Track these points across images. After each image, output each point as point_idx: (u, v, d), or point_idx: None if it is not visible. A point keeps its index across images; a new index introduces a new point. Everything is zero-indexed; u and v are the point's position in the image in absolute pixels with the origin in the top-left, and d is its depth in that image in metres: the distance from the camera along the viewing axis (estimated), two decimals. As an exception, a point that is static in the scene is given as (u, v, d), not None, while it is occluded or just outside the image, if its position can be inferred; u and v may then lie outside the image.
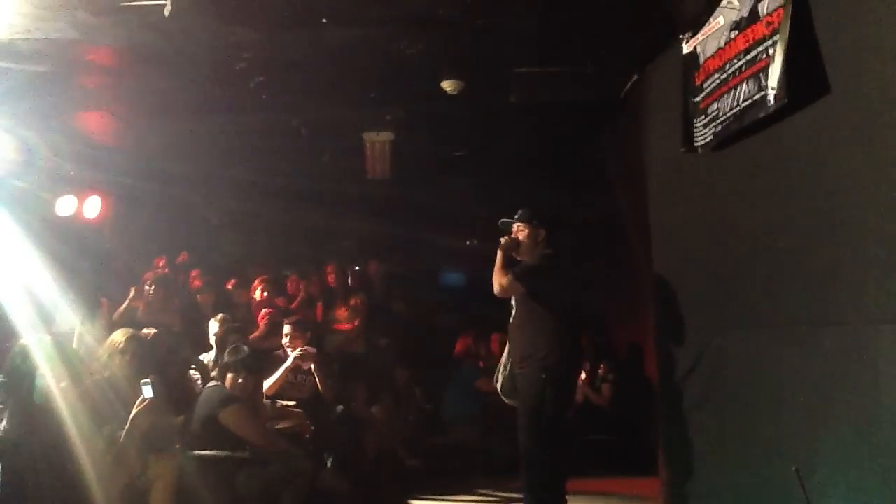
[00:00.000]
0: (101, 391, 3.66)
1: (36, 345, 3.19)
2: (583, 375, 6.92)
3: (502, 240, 4.70)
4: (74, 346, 4.57)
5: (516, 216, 4.73)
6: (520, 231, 4.69)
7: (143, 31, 4.47)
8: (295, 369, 5.49)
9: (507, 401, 4.73)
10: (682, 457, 4.39)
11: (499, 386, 4.76)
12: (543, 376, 4.39)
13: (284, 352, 5.61)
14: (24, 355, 3.15)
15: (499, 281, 4.58)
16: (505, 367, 4.72)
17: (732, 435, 3.82)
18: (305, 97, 5.69)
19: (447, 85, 5.29)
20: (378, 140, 6.45)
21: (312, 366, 5.48)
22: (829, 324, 3.11)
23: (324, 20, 4.44)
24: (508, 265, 4.63)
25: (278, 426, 4.95)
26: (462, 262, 7.65)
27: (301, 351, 5.40)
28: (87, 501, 2.78)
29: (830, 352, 3.09)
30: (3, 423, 3.10)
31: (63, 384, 3.04)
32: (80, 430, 2.99)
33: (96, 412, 3.60)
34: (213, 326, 5.79)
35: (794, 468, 1.86)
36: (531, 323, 4.54)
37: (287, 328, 5.70)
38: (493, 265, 4.62)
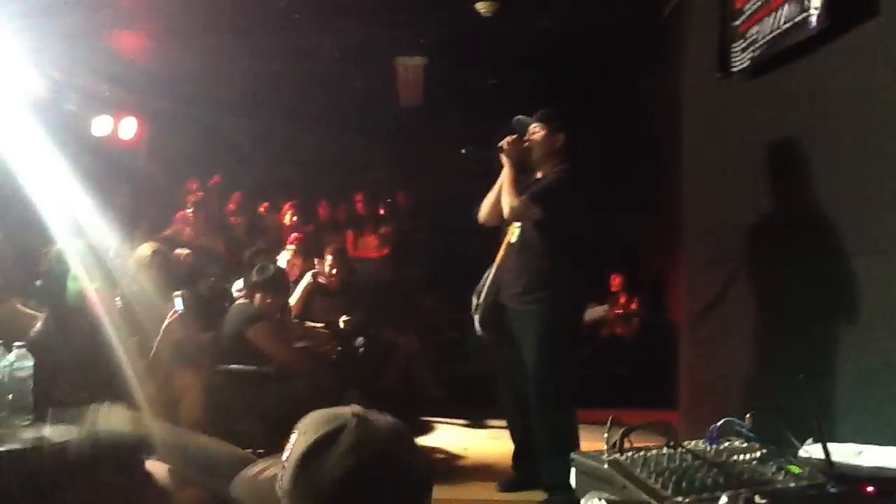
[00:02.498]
0: (132, 301, 3.73)
1: (71, 249, 3.23)
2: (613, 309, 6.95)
3: (504, 143, 3.87)
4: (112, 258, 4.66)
5: (535, 116, 3.97)
6: (535, 133, 3.93)
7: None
8: (322, 292, 5.61)
9: (482, 334, 4.05)
10: (703, 385, 4.39)
11: (477, 318, 4.04)
12: (552, 314, 3.80)
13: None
14: (59, 258, 3.18)
15: (509, 202, 3.77)
16: (488, 295, 3.99)
17: (755, 363, 3.80)
18: (337, 18, 5.62)
19: (481, 6, 5.17)
20: (411, 65, 6.37)
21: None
22: (863, 253, 3.05)
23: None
24: (519, 180, 3.87)
25: (304, 345, 5.04)
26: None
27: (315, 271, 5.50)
28: (120, 401, 2.85)
29: (860, 280, 3.04)
30: (38, 324, 3.17)
31: (96, 286, 3.09)
32: (115, 333, 3.04)
33: (128, 320, 3.68)
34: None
35: (799, 375, 1.85)
36: (541, 251, 3.85)
37: (328, 257, 5.79)
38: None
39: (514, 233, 3.96)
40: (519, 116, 3.97)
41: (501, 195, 3.85)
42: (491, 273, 4.05)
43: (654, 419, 1.83)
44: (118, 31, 6.12)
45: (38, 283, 3.34)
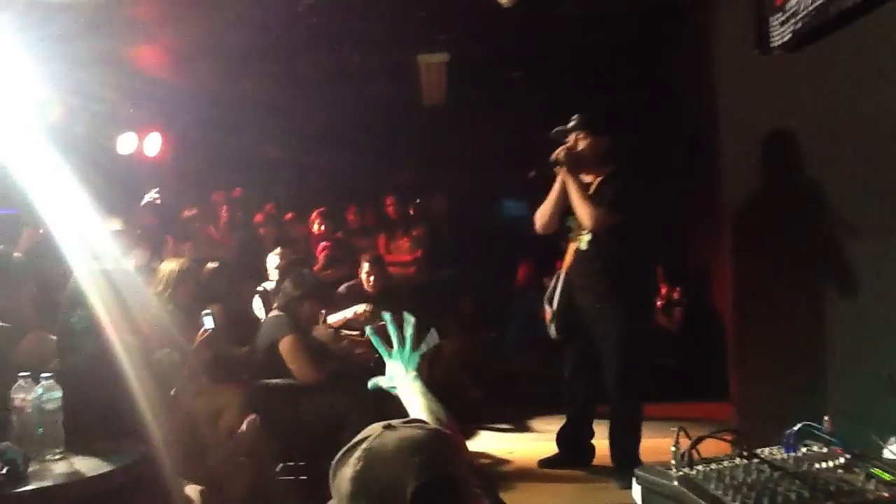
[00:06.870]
0: (158, 320, 3.63)
1: (90, 276, 3.13)
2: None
3: (558, 155, 3.95)
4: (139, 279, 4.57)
5: (571, 123, 4.05)
6: (579, 140, 4.02)
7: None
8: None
9: (556, 337, 4.24)
10: (757, 378, 4.20)
11: (553, 326, 4.20)
12: (632, 310, 3.98)
13: (361, 285, 5.68)
14: (74, 290, 3.08)
15: (589, 213, 3.86)
16: (560, 302, 4.15)
17: (811, 352, 3.61)
18: (356, 18, 5.50)
19: (502, -5, 5.00)
20: (433, 62, 6.23)
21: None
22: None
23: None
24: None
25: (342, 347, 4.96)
26: (522, 190, 7.41)
27: (362, 308, 5.38)
28: (139, 427, 2.73)
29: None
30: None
31: (116, 315, 2.97)
32: (135, 357, 2.92)
33: (162, 339, 3.58)
34: (273, 260, 5.81)
35: (887, 374, 1.68)
36: (619, 253, 3.95)
37: (366, 265, 5.73)
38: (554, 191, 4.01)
39: (583, 240, 4.02)
40: (558, 128, 4.04)
41: (575, 206, 3.92)
42: (560, 280, 4.16)
43: (722, 428, 1.68)
44: (139, 47, 6.05)
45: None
